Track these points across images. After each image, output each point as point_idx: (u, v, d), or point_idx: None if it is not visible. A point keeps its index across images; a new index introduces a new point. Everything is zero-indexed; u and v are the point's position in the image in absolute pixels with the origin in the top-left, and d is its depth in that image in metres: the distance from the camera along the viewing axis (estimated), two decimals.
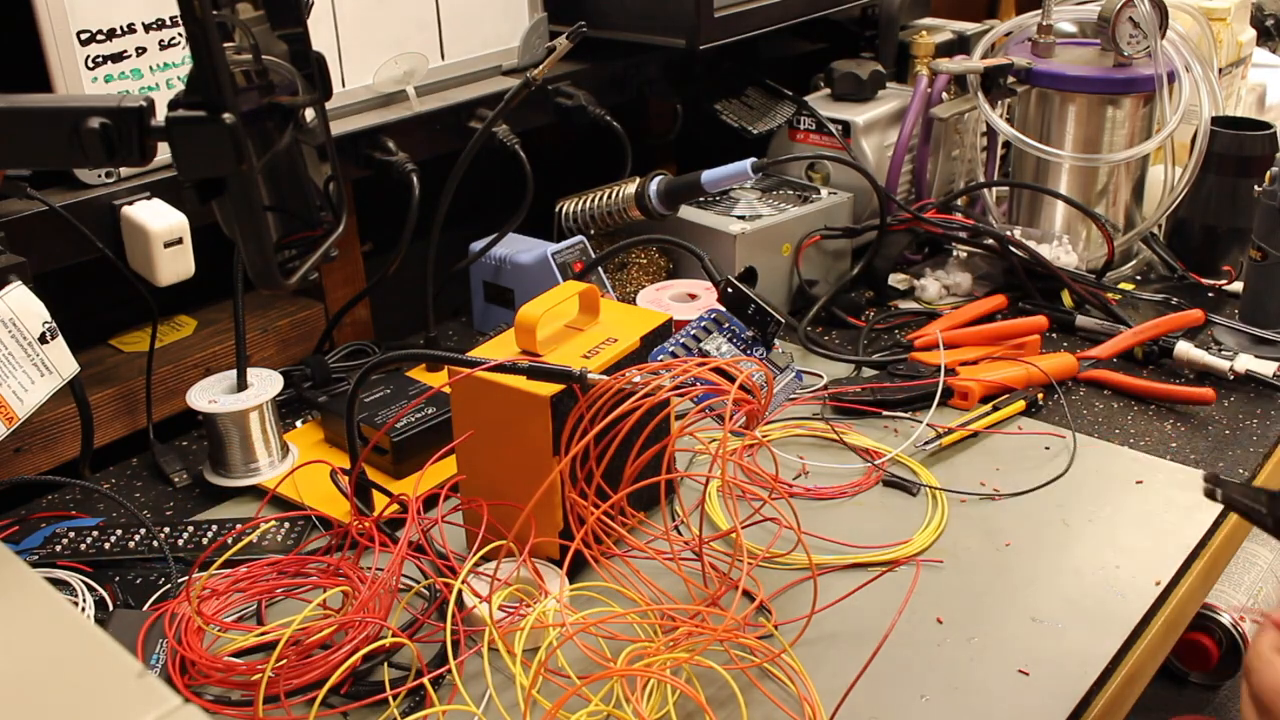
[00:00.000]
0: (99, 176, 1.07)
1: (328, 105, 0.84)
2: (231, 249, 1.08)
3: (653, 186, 1.38)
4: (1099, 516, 1.05)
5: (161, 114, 0.69)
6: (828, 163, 1.52)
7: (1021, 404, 1.20)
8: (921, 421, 1.17)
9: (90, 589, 0.95)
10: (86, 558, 0.99)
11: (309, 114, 0.81)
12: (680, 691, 0.83)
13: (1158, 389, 1.23)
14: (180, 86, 0.85)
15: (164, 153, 0.70)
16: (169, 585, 0.96)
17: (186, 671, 0.86)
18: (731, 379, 0.88)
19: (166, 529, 1.03)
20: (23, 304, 0.95)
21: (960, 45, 1.72)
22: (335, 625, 0.89)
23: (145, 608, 0.93)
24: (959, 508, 1.06)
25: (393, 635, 0.88)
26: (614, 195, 1.41)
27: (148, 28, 1.08)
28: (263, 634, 0.90)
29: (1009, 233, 1.45)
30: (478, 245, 1.37)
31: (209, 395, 1.11)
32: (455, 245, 1.38)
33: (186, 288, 1.10)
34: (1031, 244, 1.42)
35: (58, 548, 1.00)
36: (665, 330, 1.02)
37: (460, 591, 0.90)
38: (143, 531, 1.02)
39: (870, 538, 1.01)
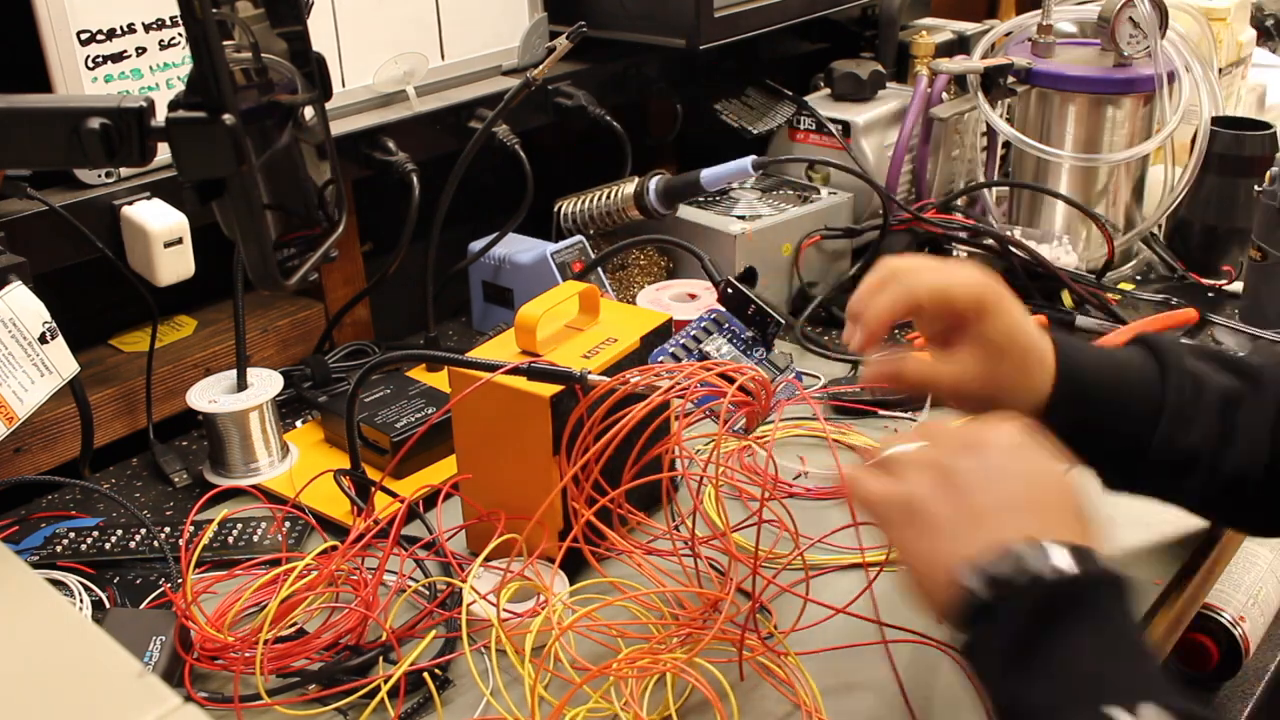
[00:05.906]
0: (99, 176, 1.07)
1: (328, 105, 0.84)
2: (231, 249, 1.08)
3: (652, 186, 1.38)
4: (1099, 516, 1.04)
5: (161, 114, 0.69)
6: None
7: None
8: (920, 421, 1.17)
9: (88, 590, 0.95)
10: (87, 558, 0.99)
11: (308, 113, 0.81)
12: (679, 689, 0.83)
13: None
14: (180, 86, 0.85)
15: (164, 153, 0.70)
16: (169, 585, 0.96)
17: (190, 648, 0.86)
18: (733, 382, 0.88)
19: (167, 529, 1.03)
20: (23, 304, 0.95)
21: (960, 45, 1.72)
22: (333, 624, 0.89)
23: (143, 607, 0.93)
24: None
25: (392, 633, 0.88)
26: (613, 195, 1.41)
27: (148, 28, 1.08)
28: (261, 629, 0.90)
29: (1009, 233, 1.45)
30: (477, 245, 1.37)
31: (209, 395, 1.11)
32: (455, 245, 1.38)
33: (186, 288, 1.10)
34: (1031, 244, 1.42)
35: (58, 548, 1.00)
36: (665, 330, 1.02)
37: (462, 590, 0.90)
38: (143, 531, 1.02)
39: (870, 538, 1.01)
